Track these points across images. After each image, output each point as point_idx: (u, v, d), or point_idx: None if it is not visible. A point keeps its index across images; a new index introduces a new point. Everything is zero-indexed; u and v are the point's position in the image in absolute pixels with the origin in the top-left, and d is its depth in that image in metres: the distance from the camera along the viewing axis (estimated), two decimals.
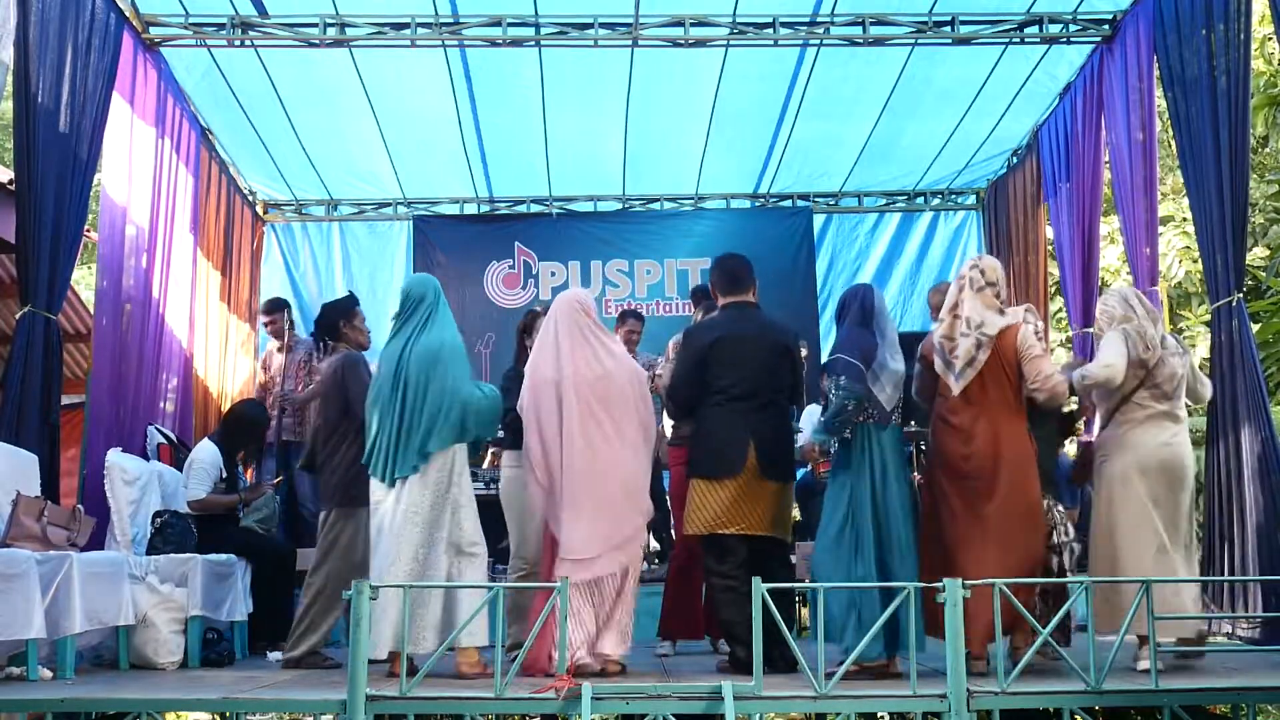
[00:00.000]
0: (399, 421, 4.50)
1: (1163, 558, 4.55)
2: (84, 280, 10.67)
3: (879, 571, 4.41)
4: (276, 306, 8.00)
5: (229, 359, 8.40)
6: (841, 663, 3.98)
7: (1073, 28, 7.20)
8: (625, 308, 8.53)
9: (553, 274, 9.65)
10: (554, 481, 4.54)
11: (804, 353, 5.27)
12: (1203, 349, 9.56)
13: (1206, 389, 4.99)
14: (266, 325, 7.98)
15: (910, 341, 7.88)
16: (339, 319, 5.35)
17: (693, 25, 7.06)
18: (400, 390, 4.52)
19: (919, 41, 7.28)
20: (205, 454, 5.79)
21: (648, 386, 4.78)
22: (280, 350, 7.72)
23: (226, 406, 7.75)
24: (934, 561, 4.51)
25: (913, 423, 6.20)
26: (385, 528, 4.47)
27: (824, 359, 8.88)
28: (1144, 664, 4.33)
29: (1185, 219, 10.00)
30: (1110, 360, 4.63)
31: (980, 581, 3.97)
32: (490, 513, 5.23)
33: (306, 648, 5.00)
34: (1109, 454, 4.74)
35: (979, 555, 4.42)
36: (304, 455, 5.70)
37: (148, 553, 5.32)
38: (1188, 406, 4.90)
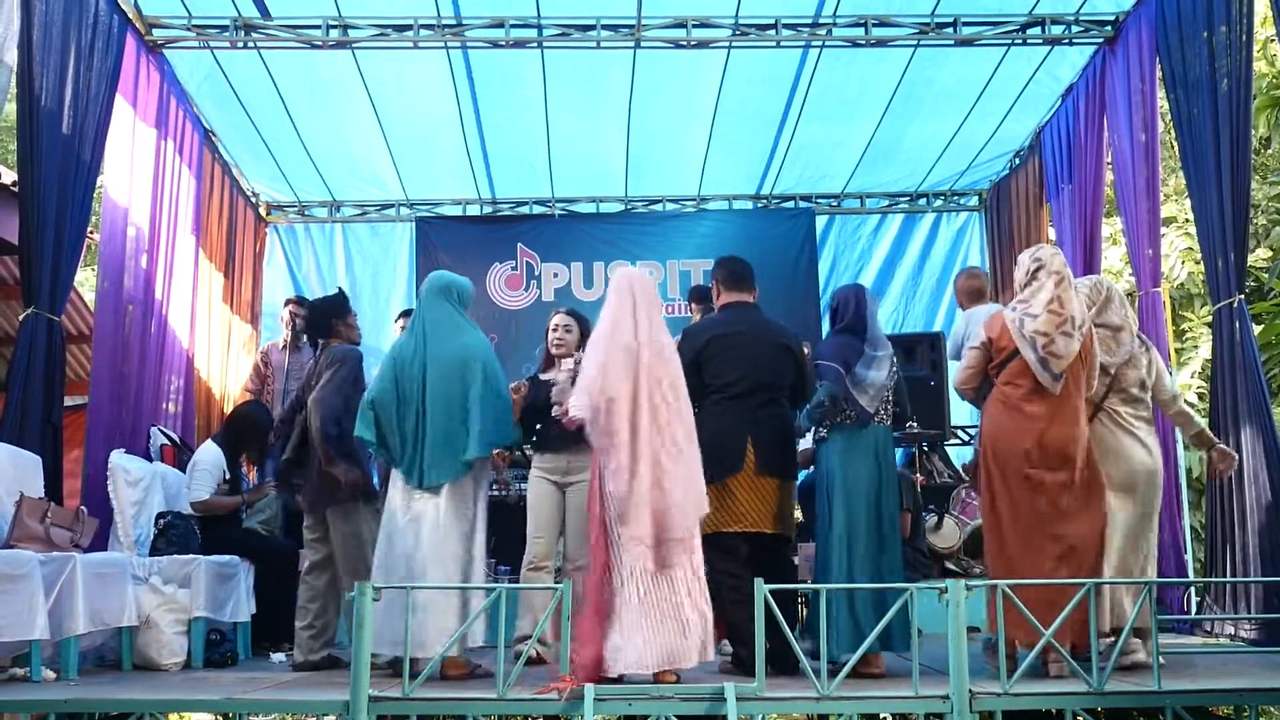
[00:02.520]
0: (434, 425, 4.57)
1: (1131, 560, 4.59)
2: (88, 282, 10.69)
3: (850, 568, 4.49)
4: (303, 303, 7.77)
5: (232, 360, 8.41)
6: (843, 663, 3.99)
7: (1075, 29, 7.21)
8: None
9: (555, 275, 9.66)
10: (625, 453, 4.18)
11: (805, 352, 5.26)
12: (1205, 350, 9.57)
13: (1169, 385, 4.91)
14: (290, 316, 7.65)
15: (910, 343, 7.90)
16: (332, 317, 5.32)
17: (695, 27, 7.07)
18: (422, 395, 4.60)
19: (921, 43, 7.28)
20: (208, 455, 5.80)
21: None
22: (284, 349, 7.66)
23: (229, 408, 7.75)
24: (997, 557, 4.47)
25: (914, 424, 6.20)
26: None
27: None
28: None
29: (1188, 220, 9.99)
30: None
31: (981, 583, 3.98)
32: (496, 513, 5.24)
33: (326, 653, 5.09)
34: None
35: (1051, 550, 4.37)
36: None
37: (151, 554, 5.33)
38: (1190, 407, 4.90)
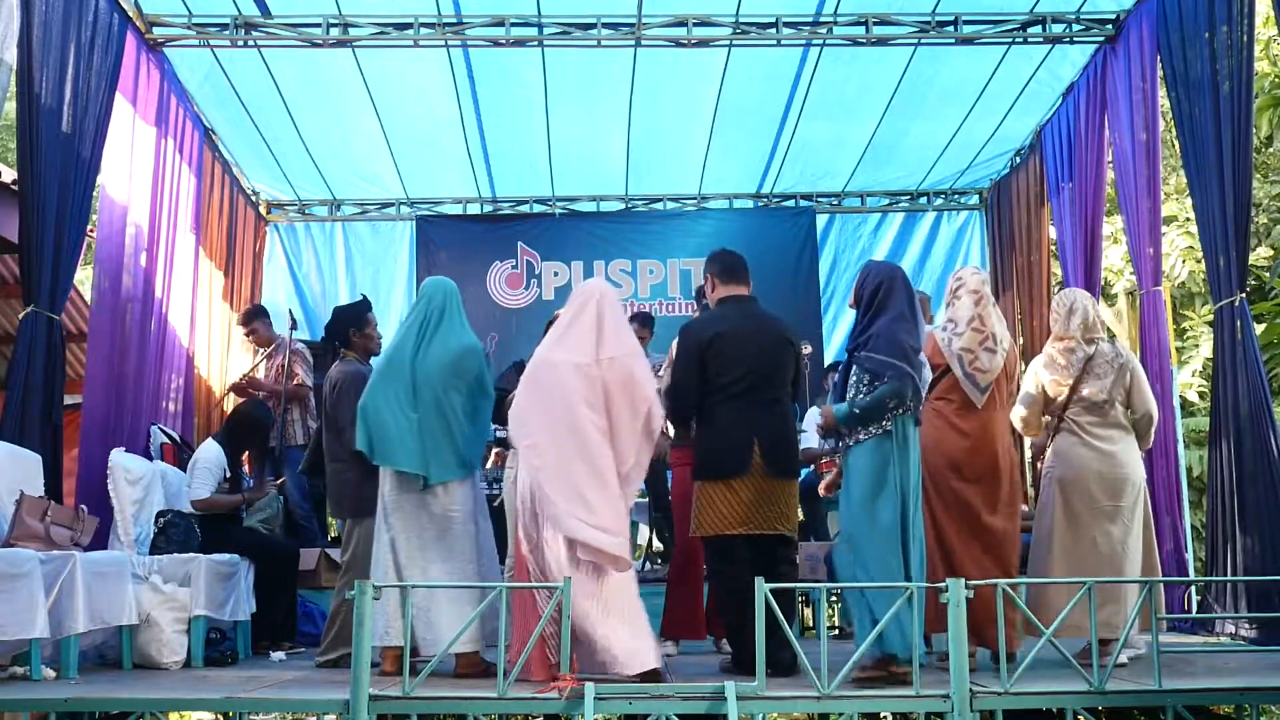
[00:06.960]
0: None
1: (1086, 564, 4.65)
2: (88, 280, 10.67)
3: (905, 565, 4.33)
4: (252, 316, 7.72)
5: (232, 359, 8.41)
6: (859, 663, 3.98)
7: (1076, 27, 7.20)
8: (634, 309, 8.52)
9: (555, 274, 9.66)
10: (565, 465, 4.28)
11: (807, 350, 5.23)
12: (1206, 349, 9.58)
13: (1150, 405, 4.97)
14: (248, 336, 7.76)
15: None
16: (349, 326, 5.29)
17: (695, 25, 7.06)
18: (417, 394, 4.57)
19: (922, 41, 7.27)
20: (208, 454, 5.79)
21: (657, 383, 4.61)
22: (267, 359, 7.55)
23: (229, 406, 7.74)
24: (932, 561, 4.51)
25: None
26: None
27: (832, 358, 8.91)
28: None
29: (1189, 219, 9.99)
30: (1019, 412, 4.92)
31: (984, 582, 3.98)
32: (498, 512, 5.25)
33: (340, 653, 4.92)
34: (1052, 467, 4.85)
35: (976, 558, 4.51)
36: (305, 460, 5.68)
37: (151, 552, 5.33)
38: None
